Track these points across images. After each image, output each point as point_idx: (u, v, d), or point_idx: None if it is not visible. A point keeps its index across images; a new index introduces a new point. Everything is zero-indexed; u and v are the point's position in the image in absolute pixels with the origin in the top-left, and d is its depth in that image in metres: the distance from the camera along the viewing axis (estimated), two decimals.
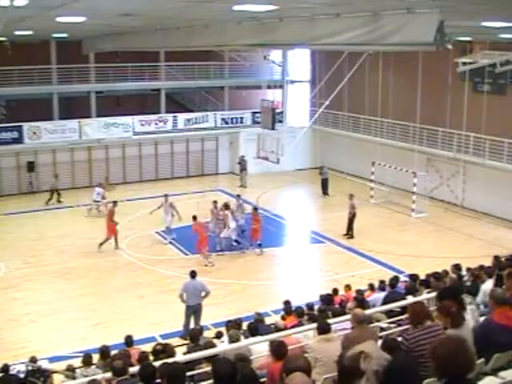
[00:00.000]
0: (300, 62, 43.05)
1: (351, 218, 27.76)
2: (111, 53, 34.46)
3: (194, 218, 24.70)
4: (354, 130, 38.01)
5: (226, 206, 26.06)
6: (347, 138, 38.43)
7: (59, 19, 17.79)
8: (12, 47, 34.06)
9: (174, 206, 27.21)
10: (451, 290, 8.33)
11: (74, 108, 38.72)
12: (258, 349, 9.97)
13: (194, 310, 18.01)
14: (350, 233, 27.82)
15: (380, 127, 35.74)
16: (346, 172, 37.99)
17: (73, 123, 36.27)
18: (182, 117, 39.38)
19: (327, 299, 15.62)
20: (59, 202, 32.87)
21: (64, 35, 31.29)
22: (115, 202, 26.83)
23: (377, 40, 11.89)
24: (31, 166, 35.13)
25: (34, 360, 14.12)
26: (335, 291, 17.33)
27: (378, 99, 34.08)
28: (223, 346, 10.94)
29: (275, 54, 42.09)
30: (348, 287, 18.30)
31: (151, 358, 10.98)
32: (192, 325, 17.75)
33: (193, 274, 18.17)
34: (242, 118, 40.72)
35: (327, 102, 31.14)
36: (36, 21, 18.29)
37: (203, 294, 18.01)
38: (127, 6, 14.08)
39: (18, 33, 25.83)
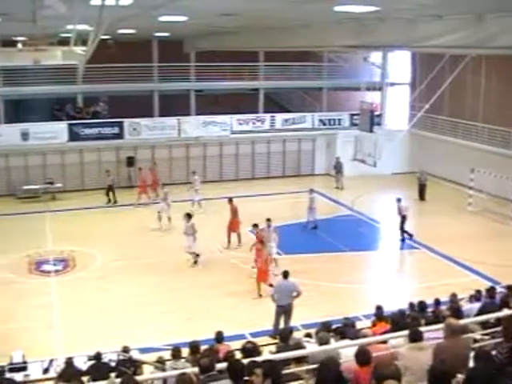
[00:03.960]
0: (400, 64, 42.41)
1: (402, 221, 27.48)
2: (211, 52, 34.91)
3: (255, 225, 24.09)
4: (453, 134, 37.13)
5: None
6: (446, 143, 37.53)
7: (161, 18, 18.15)
8: (115, 45, 34.96)
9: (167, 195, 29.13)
10: None
11: (174, 106, 39.38)
12: (347, 353, 9.87)
13: (284, 310, 18.01)
14: (404, 234, 27.52)
15: (481, 133, 34.81)
16: (443, 178, 37.19)
17: (172, 120, 36.98)
18: (279, 117, 39.48)
19: (420, 307, 15.33)
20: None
21: (166, 34, 31.90)
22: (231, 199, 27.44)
23: (480, 43, 11.59)
24: (131, 161, 36.03)
25: (125, 350, 14.41)
26: (437, 302, 16.94)
27: (480, 104, 33.27)
28: (312, 348, 10.88)
29: (375, 56, 41.61)
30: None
31: (239, 355, 10.99)
32: (282, 325, 17.76)
33: (285, 275, 18.17)
34: (339, 119, 40.48)
35: (427, 106, 30.52)
36: (139, 20, 18.70)
37: (294, 294, 17.97)
38: (228, 6, 14.21)
39: (121, 31, 26.47)
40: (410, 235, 27.66)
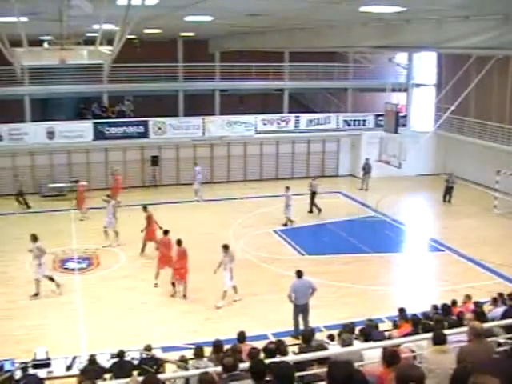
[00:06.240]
0: (426, 65, 42.13)
1: (312, 196, 31.80)
2: (236, 52, 34.94)
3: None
4: (480, 136, 36.75)
5: None
6: (472, 145, 37.17)
7: (187, 18, 18.19)
8: (141, 45, 35.14)
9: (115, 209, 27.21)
10: None
11: (198, 105, 39.47)
12: (370, 354, 9.83)
13: (301, 309, 18.13)
14: (312, 209, 31.76)
15: (507, 135, 34.47)
16: (468, 180, 36.88)
17: (197, 120, 37.04)
18: (304, 117, 39.39)
19: (444, 309, 15.25)
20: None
21: (191, 34, 31.98)
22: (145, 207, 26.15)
23: (507, 44, 11.49)
24: (155, 160, 36.22)
25: (148, 348, 14.51)
26: (454, 303, 16.86)
27: (506, 105, 32.91)
28: (335, 349, 10.85)
29: (400, 57, 41.39)
30: (468, 297, 17.72)
31: (262, 355, 10.98)
32: (301, 325, 17.86)
33: (299, 274, 18.29)
34: (364, 120, 40.31)
35: (453, 107, 30.33)
36: (165, 19, 18.76)
37: (310, 291, 18.10)
38: (254, 6, 14.21)
39: (147, 31, 26.59)
40: (319, 209, 31.51)
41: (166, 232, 22.59)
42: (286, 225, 29.15)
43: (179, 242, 21.30)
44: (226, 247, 20.79)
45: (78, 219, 30.13)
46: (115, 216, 26.90)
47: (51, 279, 21.42)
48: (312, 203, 31.70)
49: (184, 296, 21.19)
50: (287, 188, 29.24)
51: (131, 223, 27.82)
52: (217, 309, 20.26)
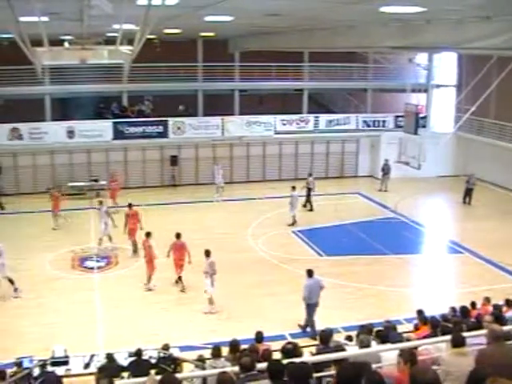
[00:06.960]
0: (446, 65, 41.86)
1: (308, 193, 32.41)
2: (256, 52, 34.93)
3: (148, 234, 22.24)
4: (500, 138, 36.47)
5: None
6: (492, 146, 36.89)
7: (207, 18, 18.23)
8: (161, 45, 35.23)
9: (110, 213, 26.32)
10: None
11: (218, 105, 39.52)
12: (388, 356, 9.79)
13: (313, 308, 18.35)
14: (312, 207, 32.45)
15: None
16: (488, 181, 36.65)
17: (216, 120, 37.11)
18: (323, 118, 39.33)
19: (463, 311, 15.15)
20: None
21: (211, 34, 32.02)
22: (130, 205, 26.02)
23: None
24: (174, 160, 36.28)
25: (166, 347, 14.55)
26: (473, 304, 16.75)
27: None
28: (353, 351, 10.81)
29: (421, 57, 41.15)
30: (487, 300, 17.60)
31: (278, 355, 10.96)
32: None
33: (310, 273, 18.53)
34: (384, 121, 40.16)
35: (473, 108, 30.10)
36: (185, 19, 18.80)
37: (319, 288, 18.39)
38: (274, 6, 14.21)
39: (167, 31, 26.66)
40: (311, 206, 32.32)
41: (147, 234, 22.36)
42: (293, 224, 29.23)
43: (178, 236, 21.82)
44: (207, 253, 20.14)
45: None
46: (107, 221, 25.97)
47: (11, 281, 20.94)
48: (307, 200, 32.31)
49: (179, 278, 21.75)
50: (293, 188, 29.51)
51: (150, 223, 27.94)
52: (204, 314, 19.92)
